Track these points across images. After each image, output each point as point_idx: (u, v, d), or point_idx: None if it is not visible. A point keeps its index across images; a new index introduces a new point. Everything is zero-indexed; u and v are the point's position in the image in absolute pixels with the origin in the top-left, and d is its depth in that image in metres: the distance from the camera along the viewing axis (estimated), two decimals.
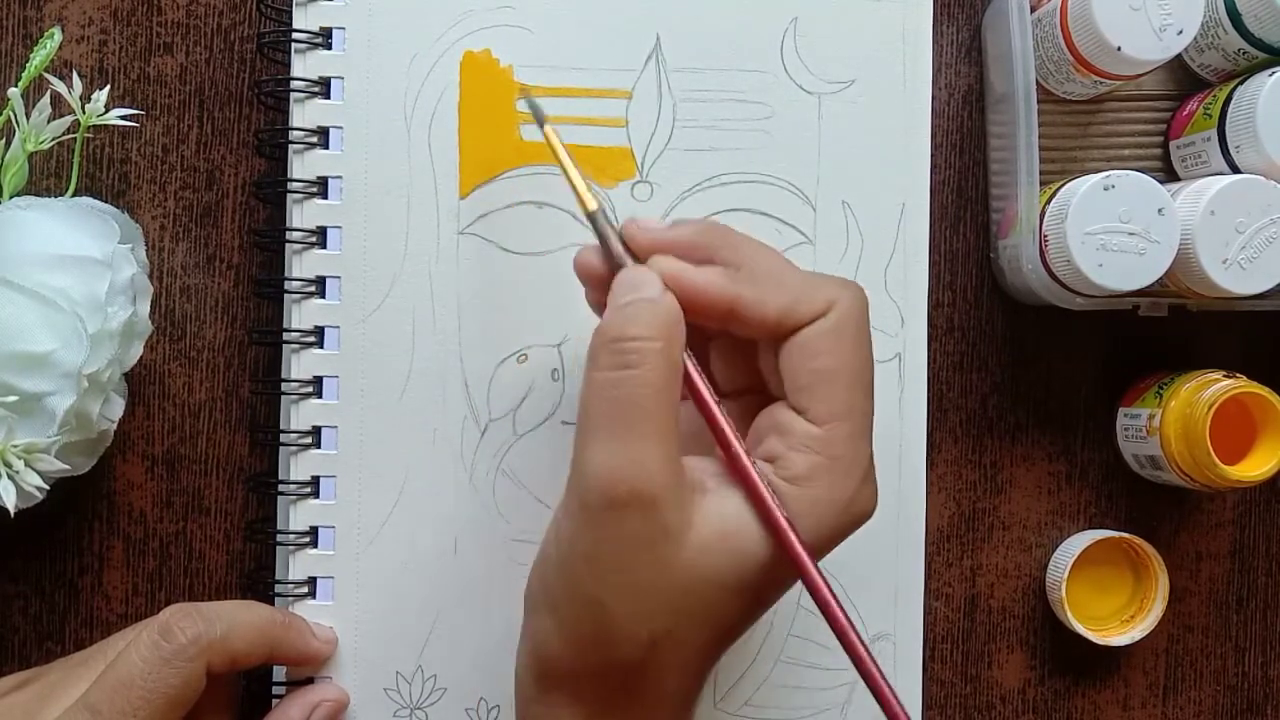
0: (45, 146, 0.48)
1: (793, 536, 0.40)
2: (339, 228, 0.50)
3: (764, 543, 0.40)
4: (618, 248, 0.43)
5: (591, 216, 0.43)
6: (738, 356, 0.44)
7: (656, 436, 0.39)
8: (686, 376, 0.42)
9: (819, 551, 0.41)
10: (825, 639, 0.52)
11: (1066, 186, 0.50)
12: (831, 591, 0.40)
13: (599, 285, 0.43)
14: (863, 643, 0.40)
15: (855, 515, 0.41)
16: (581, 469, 0.40)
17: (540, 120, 0.46)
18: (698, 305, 0.42)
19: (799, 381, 0.41)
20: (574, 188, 0.44)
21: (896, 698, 0.39)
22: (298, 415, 0.50)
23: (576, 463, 0.40)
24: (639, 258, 0.43)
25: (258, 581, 0.51)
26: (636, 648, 0.40)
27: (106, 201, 0.51)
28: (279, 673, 0.50)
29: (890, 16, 0.52)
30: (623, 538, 0.39)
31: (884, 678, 0.40)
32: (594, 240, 0.44)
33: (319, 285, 0.50)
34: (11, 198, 0.49)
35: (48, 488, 0.46)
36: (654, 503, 0.39)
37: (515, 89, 0.50)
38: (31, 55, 0.49)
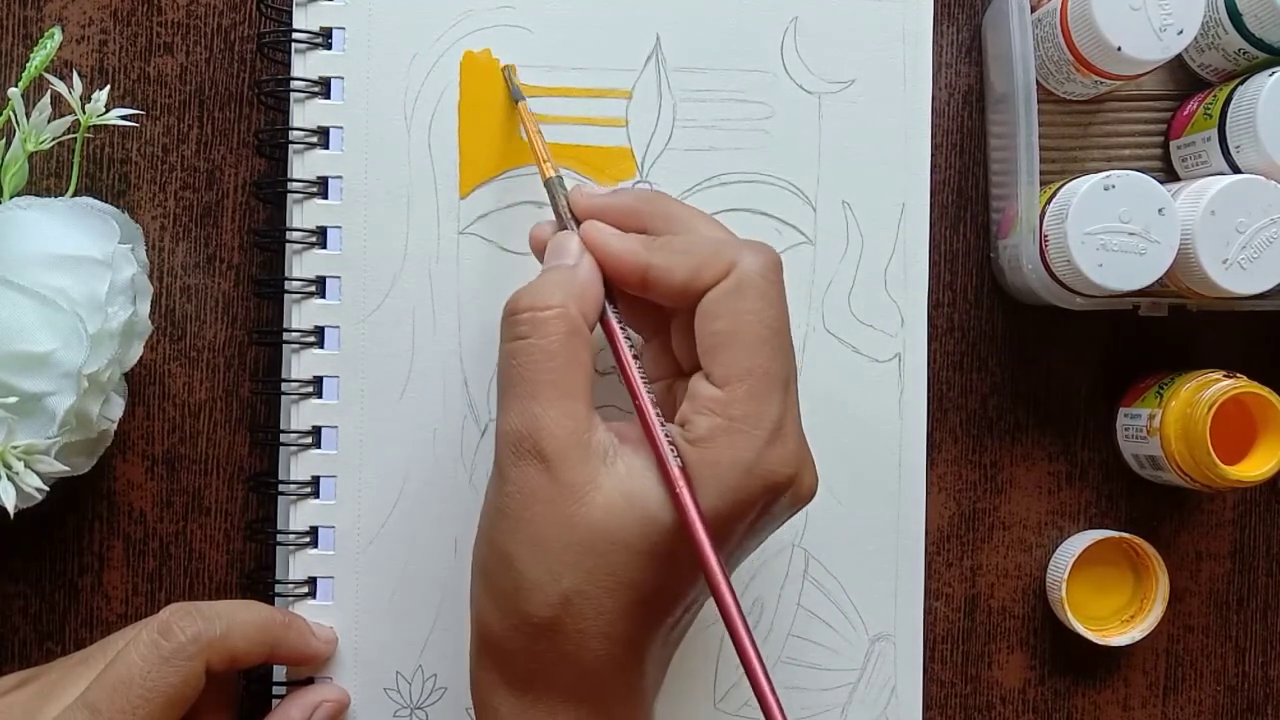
0: (45, 146, 0.48)
1: (685, 493, 0.39)
2: (339, 228, 0.50)
3: (668, 505, 0.40)
4: (565, 213, 0.45)
5: (547, 184, 0.46)
6: (693, 333, 0.44)
7: (555, 397, 0.41)
8: (610, 336, 0.43)
9: (722, 515, 0.40)
10: (826, 639, 0.52)
11: (1066, 186, 0.50)
12: (721, 560, 0.39)
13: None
14: (744, 621, 0.39)
15: (764, 479, 0.40)
16: (496, 433, 0.42)
17: (516, 96, 0.49)
18: (615, 271, 0.43)
19: (704, 345, 0.42)
20: (536, 158, 0.47)
21: (773, 690, 0.38)
22: (298, 415, 0.50)
23: (495, 428, 0.42)
24: (581, 223, 0.45)
25: (258, 581, 0.51)
26: (547, 605, 0.40)
27: (106, 201, 0.51)
28: (279, 673, 0.50)
29: (890, 16, 0.52)
30: (525, 492, 0.40)
31: (764, 667, 0.38)
32: None
33: (319, 285, 0.50)
34: (11, 198, 0.49)
35: (47, 489, 0.46)
36: (551, 458, 0.40)
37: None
38: (31, 55, 0.49)
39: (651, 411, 0.41)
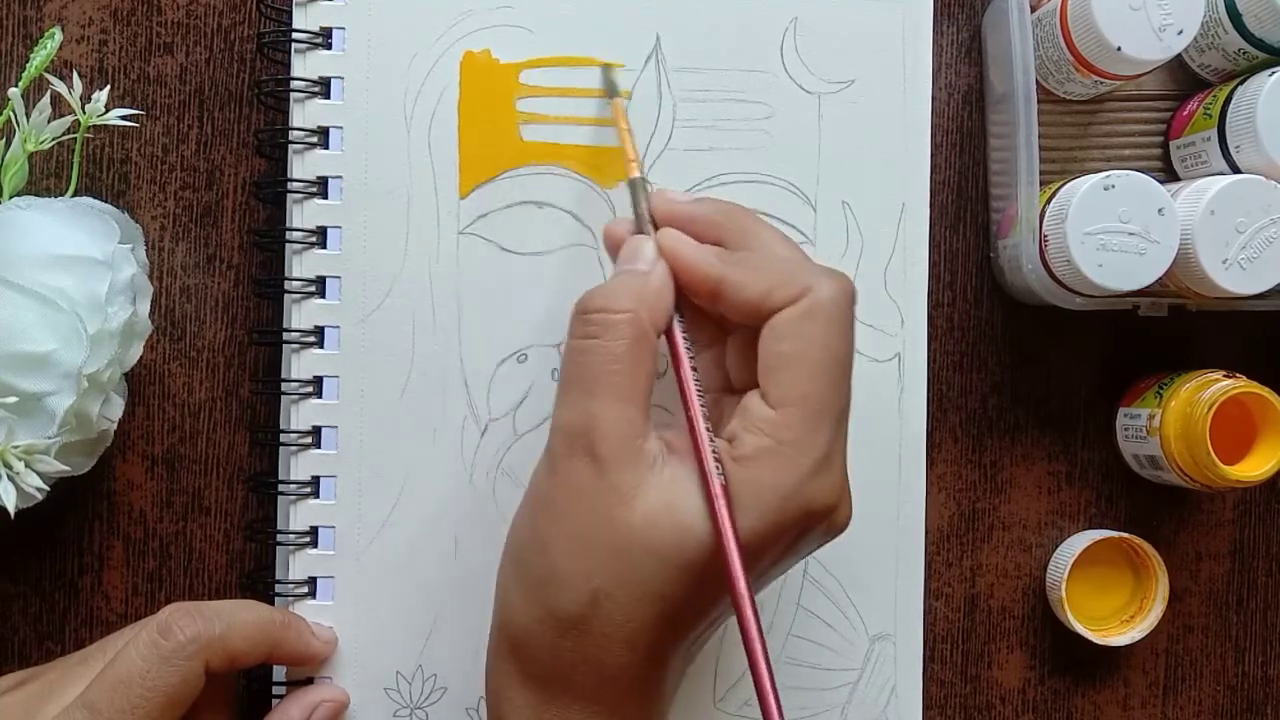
0: (45, 146, 0.48)
1: (723, 510, 0.40)
2: (339, 228, 0.50)
3: (705, 518, 0.40)
4: (644, 216, 0.45)
5: (631, 184, 0.46)
6: (751, 350, 0.44)
7: (614, 400, 0.41)
8: (672, 346, 0.43)
9: (758, 536, 0.40)
10: (826, 639, 0.52)
11: (1066, 186, 0.51)
12: (749, 580, 0.39)
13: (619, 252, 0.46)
14: (760, 635, 0.39)
15: (803, 507, 0.41)
16: (552, 423, 0.42)
17: (613, 93, 0.50)
18: (687, 281, 0.43)
19: (765, 364, 0.42)
20: (625, 157, 0.48)
21: (778, 701, 0.38)
22: (298, 415, 0.50)
23: (552, 419, 0.43)
24: (659, 227, 0.45)
25: (258, 581, 0.51)
26: (576, 602, 0.40)
27: (106, 201, 0.51)
28: (279, 673, 0.50)
29: (890, 16, 0.52)
30: (572, 486, 0.41)
31: (771, 677, 0.38)
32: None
33: (319, 285, 0.50)
34: (11, 198, 0.49)
35: (48, 489, 0.46)
36: (604, 458, 0.40)
37: (515, 88, 0.51)
38: (31, 55, 0.49)
39: (702, 425, 0.41)
